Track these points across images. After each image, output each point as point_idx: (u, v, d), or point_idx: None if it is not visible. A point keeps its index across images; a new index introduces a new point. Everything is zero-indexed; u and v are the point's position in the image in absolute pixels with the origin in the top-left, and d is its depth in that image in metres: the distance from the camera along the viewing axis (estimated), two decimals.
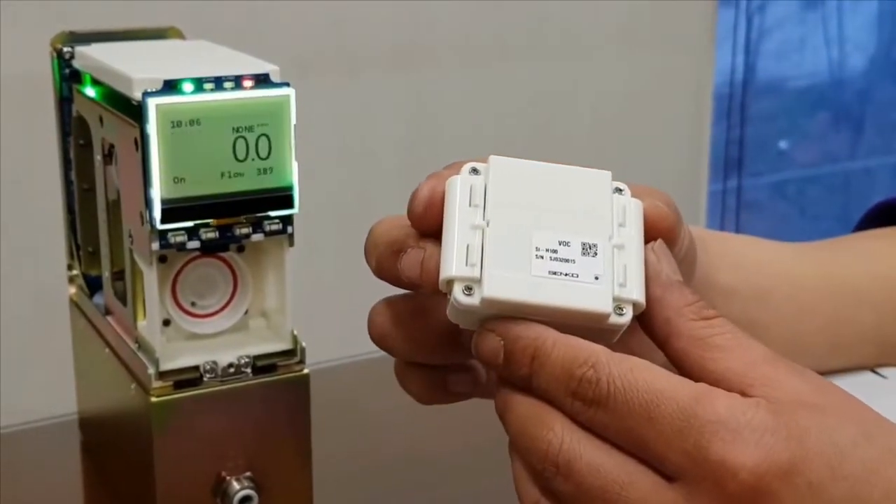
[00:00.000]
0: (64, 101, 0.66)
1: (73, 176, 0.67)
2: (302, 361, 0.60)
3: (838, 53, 2.46)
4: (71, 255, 0.69)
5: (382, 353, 0.45)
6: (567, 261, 0.39)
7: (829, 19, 2.46)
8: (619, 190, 0.41)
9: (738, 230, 1.98)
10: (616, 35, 1.45)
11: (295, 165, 0.57)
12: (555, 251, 0.39)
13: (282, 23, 1.23)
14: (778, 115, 2.49)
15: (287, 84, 0.56)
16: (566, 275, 0.39)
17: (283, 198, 0.57)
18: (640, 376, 0.37)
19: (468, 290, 0.38)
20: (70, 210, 0.68)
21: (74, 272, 0.69)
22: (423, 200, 0.40)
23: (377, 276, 0.42)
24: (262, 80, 0.56)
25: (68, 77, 0.65)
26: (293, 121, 0.56)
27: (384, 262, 0.41)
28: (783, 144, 2.58)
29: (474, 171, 0.40)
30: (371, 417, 0.73)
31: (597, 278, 0.39)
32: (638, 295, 0.39)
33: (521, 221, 0.39)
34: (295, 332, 0.60)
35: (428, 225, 0.40)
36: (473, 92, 1.38)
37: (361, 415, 0.74)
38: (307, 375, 0.60)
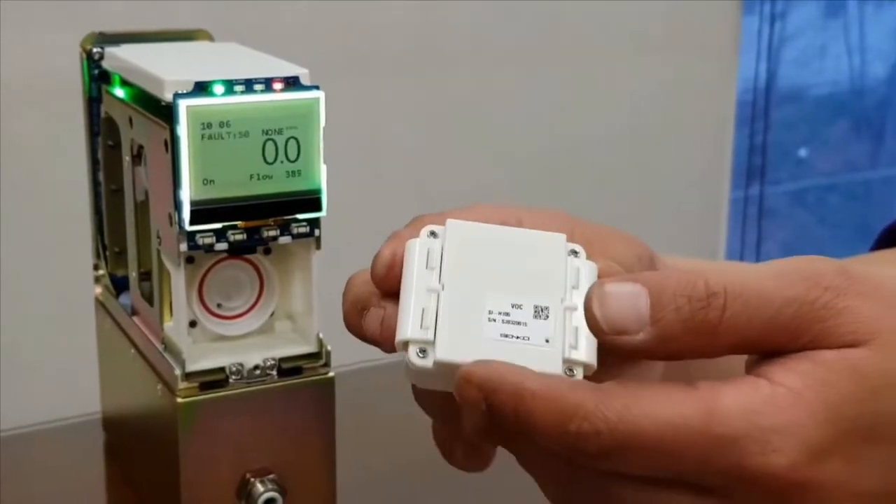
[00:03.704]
0: (93, 102, 0.66)
1: (101, 176, 0.67)
2: (327, 364, 0.60)
3: (860, 61, 2.45)
4: (97, 255, 0.69)
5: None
6: (519, 323, 0.40)
7: (851, 27, 2.45)
8: (574, 252, 0.42)
9: (759, 239, 1.98)
10: (638, 41, 1.45)
11: (323, 168, 0.57)
12: (507, 314, 0.40)
13: (302, 26, 1.23)
14: (798, 123, 2.49)
15: (317, 87, 0.56)
16: (517, 337, 0.39)
17: (311, 201, 0.57)
18: (638, 412, 0.36)
19: (422, 352, 0.39)
20: (97, 210, 0.68)
21: (101, 272, 0.69)
22: (384, 262, 0.41)
23: (346, 329, 0.43)
24: (292, 83, 0.56)
25: (97, 78, 0.66)
26: (322, 124, 0.56)
27: (349, 318, 0.43)
28: (803, 152, 2.57)
29: (432, 234, 0.41)
30: (395, 420, 0.73)
31: (547, 341, 0.39)
32: (587, 357, 0.40)
33: (475, 285, 0.40)
34: (320, 335, 0.60)
35: (389, 285, 0.41)
36: (492, 97, 1.38)
37: (385, 418, 0.74)
38: (332, 378, 0.60)
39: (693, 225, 1.55)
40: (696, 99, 1.51)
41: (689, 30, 1.48)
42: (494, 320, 0.39)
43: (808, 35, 2.43)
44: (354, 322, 0.42)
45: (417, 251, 0.41)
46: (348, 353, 0.64)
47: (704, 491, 0.37)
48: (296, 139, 0.56)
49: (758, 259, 1.96)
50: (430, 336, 0.39)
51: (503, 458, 0.42)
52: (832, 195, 2.61)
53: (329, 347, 0.60)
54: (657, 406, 0.36)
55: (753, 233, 1.97)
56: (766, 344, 0.37)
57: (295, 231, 0.57)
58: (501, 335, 0.39)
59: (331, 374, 0.60)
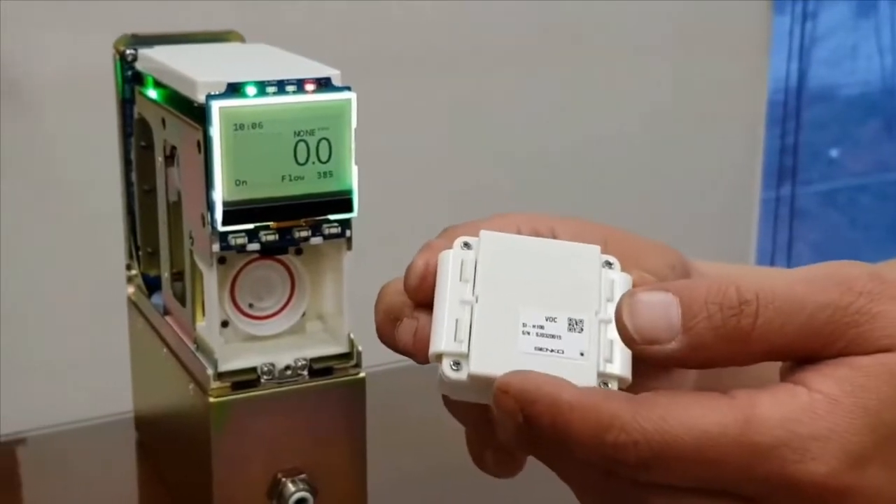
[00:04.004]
0: (126, 103, 0.67)
1: (133, 177, 0.67)
2: (358, 365, 0.60)
3: (891, 61, 2.44)
4: (130, 256, 0.70)
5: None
6: (553, 336, 0.39)
7: (883, 27, 2.44)
8: (608, 264, 0.42)
9: (790, 240, 1.96)
10: (669, 40, 1.45)
11: (355, 169, 0.57)
12: (541, 327, 0.39)
13: (332, 26, 1.23)
14: (829, 123, 2.47)
15: (348, 88, 0.56)
16: (552, 351, 0.39)
17: (342, 201, 0.57)
18: (675, 422, 0.36)
19: (456, 364, 0.39)
20: (130, 211, 0.68)
21: (133, 272, 0.70)
22: (417, 274, 0.41)
23: (379, 339, 0.43)
24: (323, 84, 0.56)
25: (131, 79, 0.66)
26: (354, 125, 0.56)
27: (382, 328, 0.43)
28: (834, 153, 2.56)
29: (466, 245, 0.41)
30: (425, 421, 0.73)
31: (582, 354, 0.39)
32: (622, 370, 0.39)
33: (509, 297, 0.40)
34: (351, 336, 0.60)
35: (422, 296, 0.41)
36: (520, 96, 1.38)
37: (416, 418, 0.74)
38: (363, 378, 0.60)
39: (724, 225, 1.54)
40: (727, 99, 1.51)
41: (721, 30, 1.48)
42: (528, 333, 0.39)
43: (840, 35, 2.42)
44: (387, 332, 0.42)
45: (451, 263, 0.41)
46: (379, 354, 0.64)
47: (743, 500, 0.36)
48: (327, 140, 0.56)
49: (789, 260, 1.95)
50: (464, 349, 0.39)
51: (533, 464, 0.42)
52: (863, 196, 2.59)
53: (360, 348, 0.60)
54: (694, 415, 0.36)
55: (785, 234, 1.96)
56: (800, 350, 0.37)
57: (326, 232, 0.58)
58: (536, 348, 0.39)
59: (361, 374, 0.60)
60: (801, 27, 1.93)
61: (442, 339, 0.39)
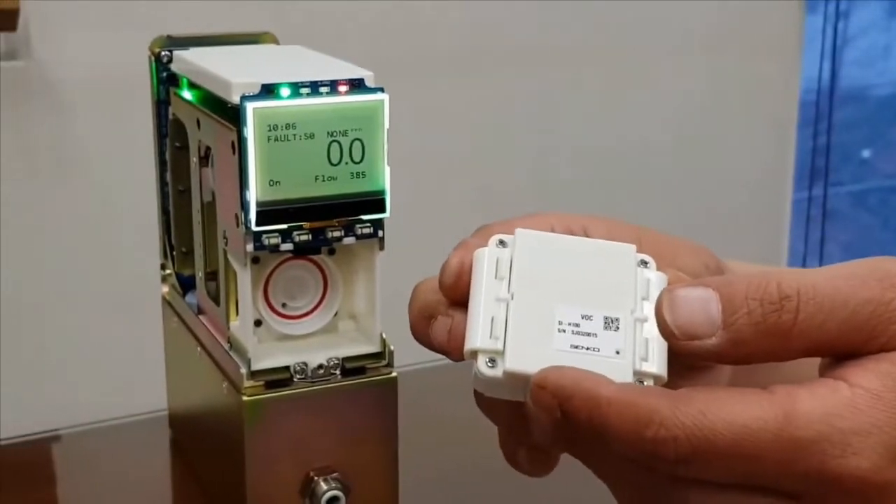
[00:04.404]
0: (161, 104, 0.67)
1: (168, 177, 0.68)
2: (390, 364, 0.60)
3: None
4: (164, 255, 0.70)
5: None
6: (589, 335, 0.39)
7: None
8: (643, 263, 0.41)
9: (822, 240, 1.96)
10: (702, 41, 1.44)
11: (387, 170, 0.57)
12: (577, 325, 0.39)
13: (365, 27, 1.24)
14: (861, 124, 2.46)
15: (381, 89, 0.57)
16: (587, 349, 0.39)
17: (375, 202, 0.57)
18: (715, 417, 0.36)
19: (491, 361, 0.39)
20: (165, 211, 0.69)
21: (168, 271, 0.70)
22: (452, 271, 0.41)
23: (413, 337, 0.43)
24: (357, 86, 0.56)
25: (166, 80, 0.67)
26: (386, 126, 0.57)
27: (417, 326, 0.43)
28: (866, 153, 2.54)
29: (501, 243, 0.41)
30: (457, 420, 0.73)
31: (618, 352, 0.39)
32: (658, 369, 0.39)
33: (545, 295, 0.40)
34: (383, 335, 0.60)
35: (457, 294, 0.41)
36: (552, 96, 1.38)
37: (448, 418, 0.74)
38: (395, 378, 0.60)
39: (756, 226, 1.54)
40: (759, 100, 1.50)
41: (752, 29, 1.47)
42: (564, 331, 0.39)
43: (872, 35, 2.41)
44: (421, 330, 0.42)
45: (486, 260, 0.41)
46: (411, 354, 0.64)
47: (783, 496, 0.36)
48: (360, 141, 0.56)
49: (821, 261, 1.94)
50: (499, 346, 0.39)
51: (565, 464, 0.43)
52: (895, 197, 2.58)
53: (392, 347, 0.60)
54: (733, 410, 0.36)
55: (816, 234, 1.95)
56: (841, 346, 0.37)
57: (359, 232, 0.58)
58: (571, 346, 0.39)
59: (394, 373, 0.60)
60: (833, 27, 1.92)
61: (477, 336, 0.39)
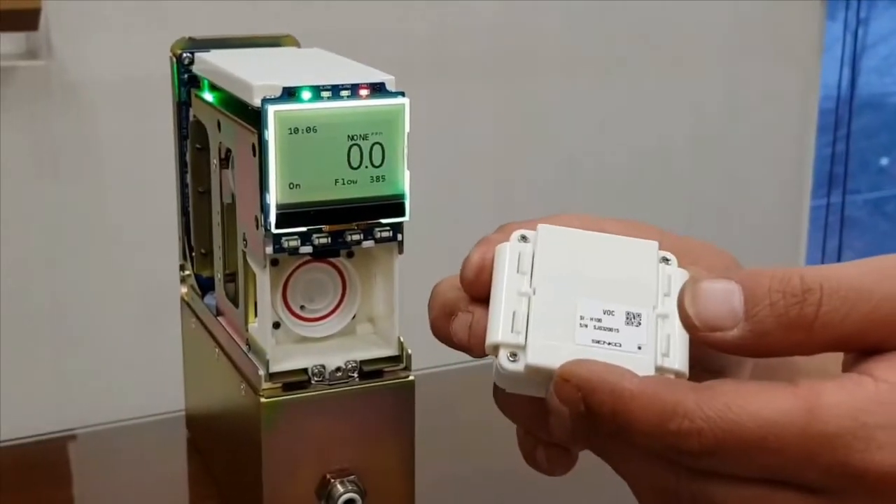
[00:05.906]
0: (182, 106, 0.67)
1: (188, 179, 0.68)
2: (408, 368, 0.60)
3: None
4: (184, 256, 0.71)
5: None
6: (611, 330, 0.39)
7: None
8: (665, 259, 0.42)
9: (840, 248, 1.95)
10: (723, 48, 1.44)
11: (407, 174, 0.57)
12: (599, 320, 0.39)
13: (386, 31, 1.24)
14: (879, 132, 2.45)
15: (402, 93, 0.57)
16: (609, 344, 0.39)
17: (394, 205, 0.58)
18: (740, 410, 0.35)
19: (513, 356, 0.39)
20: (184, 212, 0.69)
21: (187, 273, 0.70)
22: (473, 267, 0.42)
23: (433, 336, 0.43)
24: (377, 89, 0.56)
25: (187, 82, 0.67)
26: (407, 130, 0.57)
27: (437, 323, 0.43)
28: (884, 161, 2.53)
29: (523, 238, 0.41)
30: (474, 424, 0.73)
31: (640, 348, 0.39)
32: (680, 365, 0.39)
33: (567, 290, 0.40)
34: (401, 339, 0.60)
35: (478, 290, 0.41)
36: (575, 101, 1.38)
37: (465, 421, 0.75)
38: (412, 381, 0.60)
39: (773, 232, 1.53)
40: (778, 107, 1.50)
41: (772, 37, 1.47)
42: (586, 326, 0.39)
43: (891, 43, 2.40)
44: (442, 327, 0.42)
45: (508, 255, 0.41)
46: (428, 357, 0.64)
47: (805, 490, 0.36)
48: (380, 145, 0.56)
49: None
50: (521, 340, 0.39)
51: (583, 466, 0.43)
52: None
53: (410, 351, 0.60)
54: (758, 403, 0.35)
55: (834, 241, 1.95)
56: (864, 340, 0.37)
57: (378, 235, 0.58)
58: (593, 341, 0.39)
59: (411, 377, 0.60)
60: (853, 34, 1.92)
61: (499, 330, 0.39)
